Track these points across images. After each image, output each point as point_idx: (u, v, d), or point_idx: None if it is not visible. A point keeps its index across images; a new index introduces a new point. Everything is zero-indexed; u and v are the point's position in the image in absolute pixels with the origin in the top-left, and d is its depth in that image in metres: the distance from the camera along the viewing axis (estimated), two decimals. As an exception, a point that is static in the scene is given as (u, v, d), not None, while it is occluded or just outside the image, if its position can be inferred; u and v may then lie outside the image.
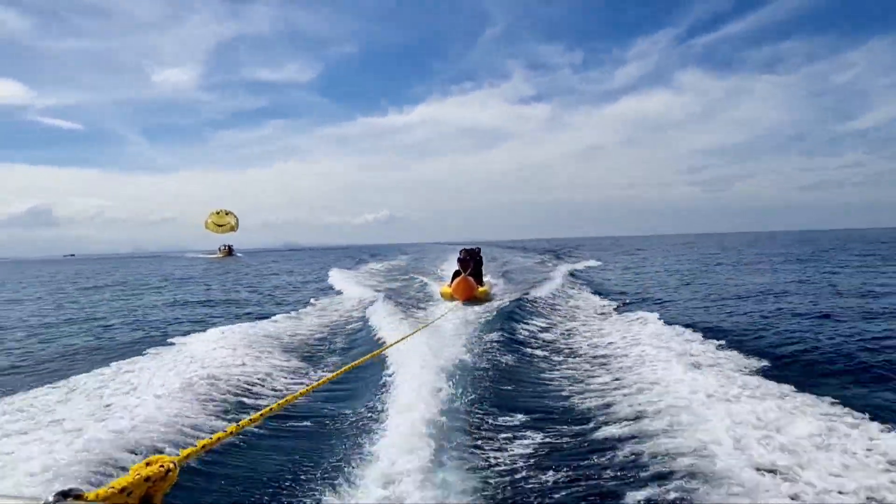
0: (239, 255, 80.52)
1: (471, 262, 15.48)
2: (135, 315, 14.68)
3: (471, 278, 14.27)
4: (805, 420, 4.54)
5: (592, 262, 30.69)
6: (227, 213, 74.97)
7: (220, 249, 78.33)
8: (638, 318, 10.14)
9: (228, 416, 5.29)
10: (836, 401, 5.10)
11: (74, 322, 13.76)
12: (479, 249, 16.62)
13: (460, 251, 16.08)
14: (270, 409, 4.05)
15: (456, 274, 15.07)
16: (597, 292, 15.92)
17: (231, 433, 2.89)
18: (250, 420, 3.36)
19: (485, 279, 16.89)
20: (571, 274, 21.96)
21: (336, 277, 24.60)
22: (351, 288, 19.16)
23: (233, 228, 74.72)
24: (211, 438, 2.36)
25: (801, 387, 5.58)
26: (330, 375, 4.93)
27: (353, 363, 5.69)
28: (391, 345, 5.75)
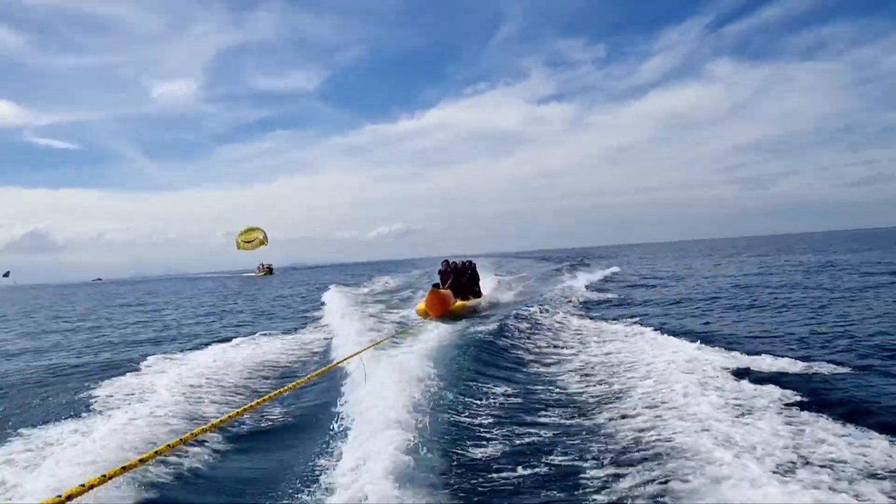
0: (276, 273, 79.54)
1: (451, 274, 14.57)
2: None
3: (446, 291, 13.15)
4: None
5: (612, 271, 29.01)
6: (252, 229, 73.21)
7: (259, 269, 76.58)
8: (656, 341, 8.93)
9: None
10: None
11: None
12: (472, 263, 15.74)
13: (442, 262, 15.30)
14: (212, 426, 4.13)
15: (435, 288, 13.64)
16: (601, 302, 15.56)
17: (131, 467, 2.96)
18: (168, 447, 3.44)
19: (484, 293, 16.05)
20: (586, 286, 20.93)
21: (330, 296, 23.74)
22: (337, 306, 18.60)
23: (262, 242, 72.31)
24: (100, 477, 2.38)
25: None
26: (278, 391, 5.04)
27: (302, 379, 5.75)
28: (345, 360, 5.73)
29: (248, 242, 71.75)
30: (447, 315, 12.60)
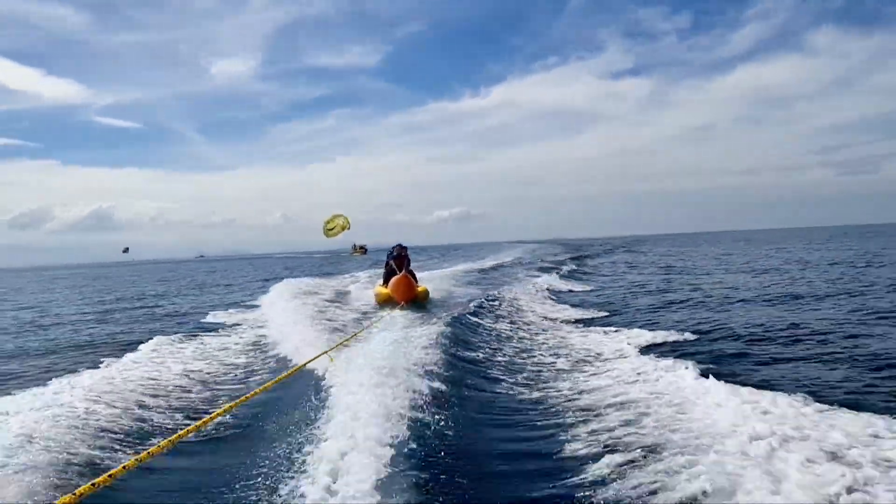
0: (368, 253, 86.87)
1: (405, 259, 14.79)
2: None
3: (409, 276, 13.56)
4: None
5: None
6: (335, 217, 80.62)
7: (353, 249, 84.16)
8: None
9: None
10: None
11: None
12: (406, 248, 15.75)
13: (393, 248, 15.15)
14: (179, 437, 4.01)
15: (390, 273, 14.23)
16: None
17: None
18: (158, 448, 3.36)
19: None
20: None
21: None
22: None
23: (343, 227, 79.25)
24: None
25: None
26: (241, 399, 4.73)
27: (263, 386, 5.44)
28: (315, 358, 5.51)
29: (331, 230, 79.57)
30: (413, 300, 13.02)
